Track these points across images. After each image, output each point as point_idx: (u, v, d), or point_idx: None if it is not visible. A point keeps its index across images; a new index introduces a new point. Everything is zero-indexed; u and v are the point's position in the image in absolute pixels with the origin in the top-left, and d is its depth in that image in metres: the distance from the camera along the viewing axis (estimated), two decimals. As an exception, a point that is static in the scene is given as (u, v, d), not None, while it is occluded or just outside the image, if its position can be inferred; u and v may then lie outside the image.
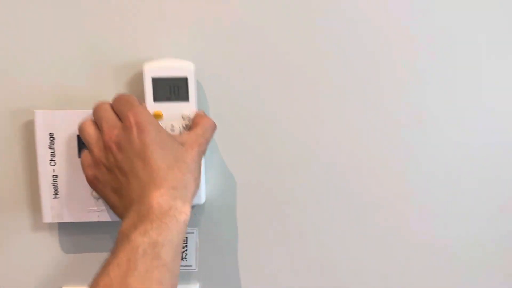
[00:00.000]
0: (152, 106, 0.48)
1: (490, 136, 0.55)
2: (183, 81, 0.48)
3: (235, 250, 0.56)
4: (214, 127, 0.49)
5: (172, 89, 0.48)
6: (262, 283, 0.57)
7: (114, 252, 0.38)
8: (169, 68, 0.49)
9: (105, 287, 0.35)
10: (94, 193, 0.49)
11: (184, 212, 0.41)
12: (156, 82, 0.48)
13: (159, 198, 0.40)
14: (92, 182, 0.46)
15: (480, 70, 0.53)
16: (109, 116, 0.45)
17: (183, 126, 0.49)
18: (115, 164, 0.43)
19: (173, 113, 0.49)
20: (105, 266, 0.37)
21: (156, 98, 0.48)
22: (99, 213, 0.51)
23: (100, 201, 0.50)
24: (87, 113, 0.47)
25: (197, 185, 0.45)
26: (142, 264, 0.36)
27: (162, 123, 0.47)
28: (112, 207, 0.45)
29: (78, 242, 0.55)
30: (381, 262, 0.57)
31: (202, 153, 0.46)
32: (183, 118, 0.49)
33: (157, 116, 0.48)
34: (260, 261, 0.57)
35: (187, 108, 0.49)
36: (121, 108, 0.45)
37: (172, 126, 0.49)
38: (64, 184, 0.50)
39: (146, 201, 0.40)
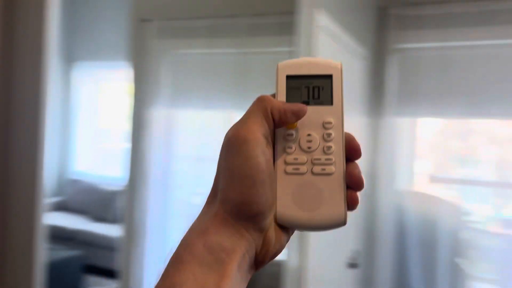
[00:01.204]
0: None
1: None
2: (327, 80, 0.39)
3: None
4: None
5: (311, 90, 0.39)
6: None
7: None
8: (309, 65, 0.40)
9: None
10: None
11: (190, 233, 0.36)
12: (291, 81, 0.39)
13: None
14: None
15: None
16: None
17: (323, 137, 0.38)
18: None
19: (311, 120, 0.39)
20: None
21: (289, 101, 0.39)
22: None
23: None
24: None
25: (223, 182, 0.37)
26: None
27: (296, 132, 0.39)
28: None
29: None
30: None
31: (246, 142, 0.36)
32: (324, 127, 0.38)
33: (289, 125, 0.38)
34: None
35: (331, 114, 0.39)
36: None
37: (309, 136, 0.39)
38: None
39: None
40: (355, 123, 2.09)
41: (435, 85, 2.22)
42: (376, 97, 2.34)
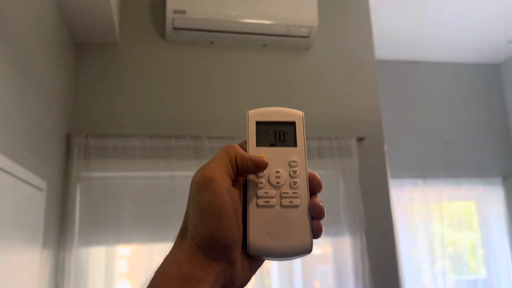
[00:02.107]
0: (255, 151, 0.45)
1: None
2: (291, 126, 0.46)
3: None
4: None
5: (277, 134, 0.46)
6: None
7: None
8: (275, 113, 0.46)
9: None
10: None
11: (163, 262, 0.39)
12: (260, 127, 0.46)
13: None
14: None
15: None
16: None
17: (290, 174, 0.44)
18: None
19: (279, 159, 0.45)
20: None
21: (259, 143, 0.45)
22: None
23: None
24: None
25: (192, 218, 0.40)
26: None
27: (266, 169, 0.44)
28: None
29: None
30: None
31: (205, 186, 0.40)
32: (290, 165, 0.44)
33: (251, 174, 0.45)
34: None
35: (295, 154, 0.45)
36: None
37: (278, 172, 0.44)
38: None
39: None
40: (32, 258, 1.89)
41: (124, 213, 2.28)
42: (63, 227, 2.22)
